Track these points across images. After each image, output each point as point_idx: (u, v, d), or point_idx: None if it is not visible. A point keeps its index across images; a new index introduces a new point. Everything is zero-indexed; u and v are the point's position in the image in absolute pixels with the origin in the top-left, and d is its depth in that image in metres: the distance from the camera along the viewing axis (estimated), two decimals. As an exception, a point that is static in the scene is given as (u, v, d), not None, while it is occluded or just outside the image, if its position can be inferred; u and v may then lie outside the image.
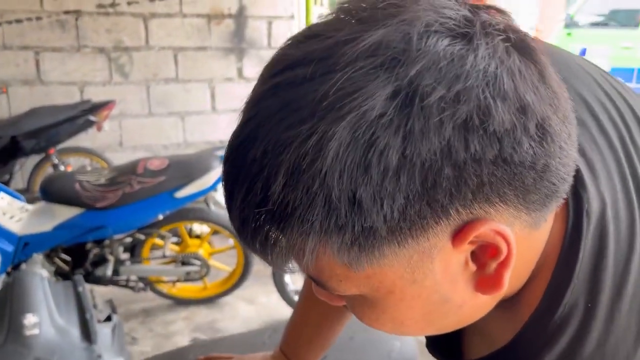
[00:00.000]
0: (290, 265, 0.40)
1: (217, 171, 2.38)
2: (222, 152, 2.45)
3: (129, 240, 2.51)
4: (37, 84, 3.52)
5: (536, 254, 0.45)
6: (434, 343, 0.58)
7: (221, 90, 4.01)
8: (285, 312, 2.59)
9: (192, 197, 2.36)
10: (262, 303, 2.79)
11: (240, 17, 3.94)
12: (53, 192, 2.34)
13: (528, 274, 0.46)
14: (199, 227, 2.65)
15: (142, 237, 2.50)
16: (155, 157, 2.47)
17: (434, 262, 0.39)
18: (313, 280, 0.43)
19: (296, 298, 2.52)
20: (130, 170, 2.37)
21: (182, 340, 2.50)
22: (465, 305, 0.43)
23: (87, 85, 3.65)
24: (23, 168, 3.41)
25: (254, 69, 4.05)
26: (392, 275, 0.39)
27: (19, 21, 3.41)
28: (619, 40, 5.88)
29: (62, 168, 3.32)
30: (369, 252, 0.37)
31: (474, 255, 0.40)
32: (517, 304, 0.47)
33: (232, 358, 0.89)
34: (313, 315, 0.80)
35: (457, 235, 0.38)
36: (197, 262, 2.59)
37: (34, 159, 3.36)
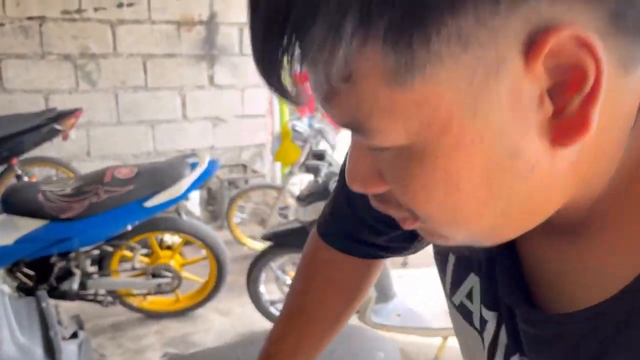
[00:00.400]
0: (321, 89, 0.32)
1: (188, 179, 2.30)
2: (193, 160, 2.38)
3: (96, 252, 2.41)
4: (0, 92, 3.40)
5: (627, 131, 0.35)
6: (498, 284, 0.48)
7: (192, 98, 3.94)
8: (260, 323, 2.52)
9: (163, 206, 2.28)
10: (236, 315, 2.72)
11: (211, 23, 3.88)
12: (15, 203, 2.23)
13: (613, 167, 0.36)
14: (170, 238, 2.56)
15: (110, 248, 2.40)
16: (123, 165, 2.38)
17: (501, 84, 0.30)
18: (349, 128, 0.35)
19: (272, 309, 2.46)
20: (97, 179, 2.28)
21: (154, 355, 2.41)
22: (538, 166, 0.33)
23: (52, 93, 3.53)
24: (-16, 179, 3.27)
25: (225, 75, 3.98)
26: (449, 98, 0.31)
27: (-21, 27, 3.29)
28: None
29: (25, 179, 3.19)
30: (420, 48, 0.29)
31: (551, 93, 0.31)
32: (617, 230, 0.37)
33: None
34: (295, 330, 0.74)
35: (531, 47, 0.29)
36: (169, 274, 2.50)
37: (-4, 170, 3.23)
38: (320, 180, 2.26)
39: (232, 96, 4.05)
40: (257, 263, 2.42)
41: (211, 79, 3.97)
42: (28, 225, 2.22)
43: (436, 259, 0.57)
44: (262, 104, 4.18)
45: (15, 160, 3.14)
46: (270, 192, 3.42)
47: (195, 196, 2.48)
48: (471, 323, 0.52)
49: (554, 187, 0.35)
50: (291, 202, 3.09)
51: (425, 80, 0.30)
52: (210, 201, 4.04)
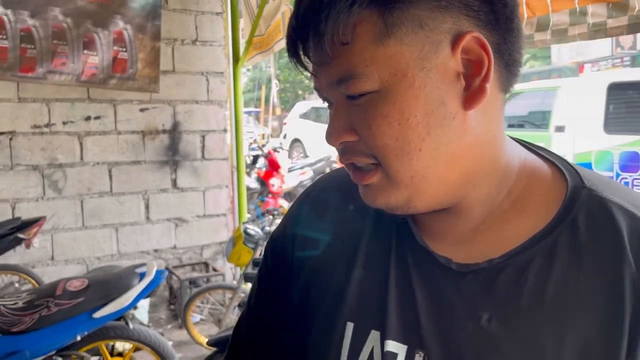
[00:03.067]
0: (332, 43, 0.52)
1: (136, 289, 2.44)
2: (142, 269, 2.54)
3: (47, 362, 2.49)
4: (-33, 203, 3.57)
5: (501, 146, 0.58)
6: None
7: (155, 201, 4.14)
8: None
9: (111, 316, 2.40)
10: (187, 420, 2.76)
11: (174, 132, 4.16)
12: (-32, 318, 2.34)
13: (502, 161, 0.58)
14: (121, 345, 2.66)
15: (59, 359, 2.49)
16: (75, 277, 2.52)
17: (438, 57, 0.52)
18: (341, 81, 0.53)
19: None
20: (49, 292, 2.40)
21: None
22: (457, 118, 0.53)
23: (19, 201, 3.71)
24: (-54, 289, 3.36)
25: (187, 179, 4.22)
26: (408, 56, 0.51)
27: (-48, 143, 3.51)
28: (532, 140, 6.42)
29: (-13, 287, 3.29)
30: (401, 20, 0.51)
31: (462, 75, 0.53)
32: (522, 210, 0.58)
33: None
34: None
35: (455, 42, 0.51)
36: (118, 381, 2.57)
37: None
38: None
39: (194, 197, 4.27)
40: (204, 368, 2.51)
41: (174, 182, 4.19)
42: (-20, 340, 2.32)
43: (326, 350, 0.63)
44: (223, 204, 4.39)
45: (-23, 270, 3.26)
46: (227, 291, 3.54)
47: (145, 304, 2.61)
48: None
49: (465, 143, 0.55)
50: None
51: (396, 42, 0.51)
52: (172, 300, 4.13)
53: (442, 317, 0.57)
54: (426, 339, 0.57)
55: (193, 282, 3.93)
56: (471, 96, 0.53)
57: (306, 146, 12.72)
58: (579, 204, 0.56)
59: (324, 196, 0.72)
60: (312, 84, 0.59)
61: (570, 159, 5.96)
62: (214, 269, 4.23)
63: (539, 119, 6.60)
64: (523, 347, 0.53)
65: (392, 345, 0.58)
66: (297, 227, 0.72)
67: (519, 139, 0.64)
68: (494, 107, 0.56)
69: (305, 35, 0.54)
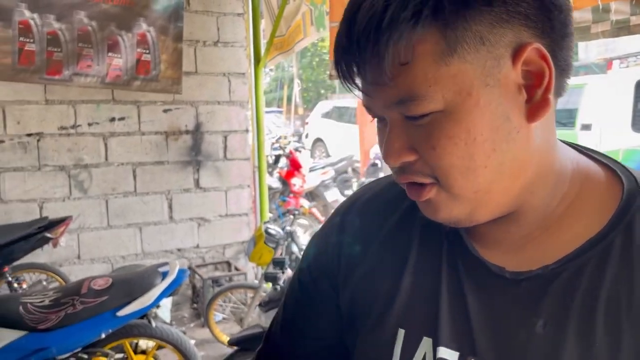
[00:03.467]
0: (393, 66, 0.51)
1: (158, 288, 2.48)
2: (165, 268, 2.57)
3: (73, 359, 2.55)
4: (-3, 203, 3.66)
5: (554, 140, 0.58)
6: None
7: (178, 201, 4.19)
8: None
9: (134, 315, 2.45)
10: (209, 417, 2.79)
11: (197, 132, 4.21)
12: (-3, 315, 2.41)
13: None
14: (145, 343, 2.70)
15: (85, 356, 2.54)
16: (100, 276, 2.57)
17: (500, 72, 0.51)
18: (401, 102, 0.52)
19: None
20: (74, 291, 2.46)
21: None
22: (521, 132, 0.53)
23: (46, 201, 3.79)
24: (-23, 286, 3.45)
25: (210, 179, 4.26)
26: (472, 73, 0.50)
27: (-19, 145, 3.61)
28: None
29: (16, 285, 3.37)
30: (462, 38, 0.49)
31: (524, 87, 0.52)
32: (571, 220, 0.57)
33: None
34: None
35: (515, 54, 0.51)
36: (142, 378, 2.62)
37: (-12, 277, 3.42)
38: (279, 287, 2.43)
39: (217, 197, 4.31)
40: (225, 367, 2.54)
41: (197, 182, 4.24)
42: (9, 336, 2.38)
43: (377, 355, 0.64)
44: (245, 203, 4.42)
45: (6, 268, 3.33)
46: (249, 291, 3.57)
47: (167, 302, 2.64)
48: None
49: (527, 156, 0.54)
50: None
51: (458, 60, 0.50)
52: (195, 299, 4.18)
53: (496, 325, 0.57)
54: (479, 346, 0.57)
55: (215, 281, 3.96)
56: (534, 109, 0.53)
57: (328, 146, 12.72)
58: (635, 208, 0.55)
59: (370, 205, 0.72)
60: (363, 103, 0.58)
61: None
62: (236, 268, 4.26)
63: (565, 117, 6.49)
64: (578, 352, 0.52)
65: (444, 352, 0.59)
66: (343, 235, 0.72)
67: (569, 142, 0.64)
68: (550, 114, 0.56)
69: (361, 56, 0.52)
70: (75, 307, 2.39)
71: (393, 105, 0.53)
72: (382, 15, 0.49)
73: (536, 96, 0.53)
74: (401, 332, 0.62)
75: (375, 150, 8.58)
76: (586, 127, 6.00)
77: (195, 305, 4.16)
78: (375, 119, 0.58)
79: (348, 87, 0.55)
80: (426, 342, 0.60)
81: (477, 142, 0.52)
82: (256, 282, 3.69)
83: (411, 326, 0.62)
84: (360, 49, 0.51)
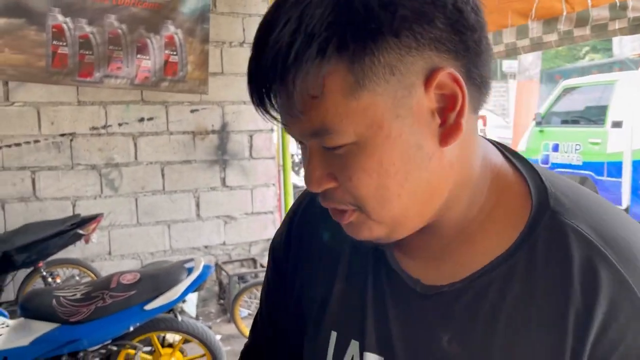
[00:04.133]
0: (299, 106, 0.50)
1: (184, 284, 2.55)
2: (191, 264, 2.65)
3: (102, 351, 2.64)
4: (32, 200, 3.81)
5: (481, 163, 0.58)
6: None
7: (205, 199, 4.28)
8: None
9: (161, 309, 2.53)
10: (233, 410, 2.86)
11: (223, 132, 4.29)
12: (31, 308, 2.52)
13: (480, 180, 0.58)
14: (172, 336, 2.78)
15: (114, 348, 2.63)
16: (128, 271, 2.66)
17: (412, 100, 0.51)
18: (315, 135, 0.52)
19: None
20: (104, 285, 2.55)
21: None
22: (434, 157, 0.53)
23: (79, 199, 3.93)
24: (13, 280, 3.60)
25: (236, 177, 4.34)
26: (382, 106, 0.50)
27: (18, 145, 3.76)
28: (588, 136, 6.21)
29: (50, 279, 3.50)
30: (371, 71, 0.49)
31: (438, 112, 0.52)
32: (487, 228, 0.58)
33: None
34: None
35: (427, 80, 0.51)
36: (169, 371, 2.70)
37: (24, 271, 3.56)
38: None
39: (242, 195, 4.38)
40: None
41: (223, 180, 4.32)
42: (42, 328, 2.48)
43: (314, 355, 0.69)
44: (270, 201, 4.49)
45: (41, 263, 3.47)
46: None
47: (193, 297, 2.72)
48: None
49: (442, 178, 0.55)
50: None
51: (368, 94, 0.50)
52: (222, 295, 4.26)
53: (410, 335, 0.60)
54: (397, 353, 0.61)
55: (241, 278, 4.04)
56: (447, 133, 0.53)
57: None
58: (540, 229, 0.56)
59: (312, 209, 0.74)
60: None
61: (628, 155, 5.73)
62: (262, 265, 4.33)
63: (596, 115, 6.37)
64: None
65: (369, 357, 0.62)
66: (291, 232, 0.76)
67: (496, 142, 0.65)
68: (468, 132, 0.55)
69: (271, 86, 0.52)
70: (105, 300, 2.48)
71: (308, 136, 0.54)
72: (287, 52, 0.49)
73: (449, 120, 0.53)
74: (334, 335, 0.66)
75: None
76: (617, 124, 5.88)
77: (221, 301, 4.25)
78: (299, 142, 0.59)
79: (266, 118, 0.55)
80: (354, 346, 0.64)
81: (390, 173, 0.53)
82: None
83: (342, 329, 0.66)
84: (269, 78, 0.51)
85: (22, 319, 2.55)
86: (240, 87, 4.30)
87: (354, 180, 0.54)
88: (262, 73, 0.52)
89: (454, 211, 0.59)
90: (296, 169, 6.32)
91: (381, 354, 0.62)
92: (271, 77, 0.51)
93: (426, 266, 0.62)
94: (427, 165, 0.54)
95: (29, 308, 2.52)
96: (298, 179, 6.21)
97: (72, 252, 3.74)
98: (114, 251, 4.04)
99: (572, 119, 6.58)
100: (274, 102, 0.53)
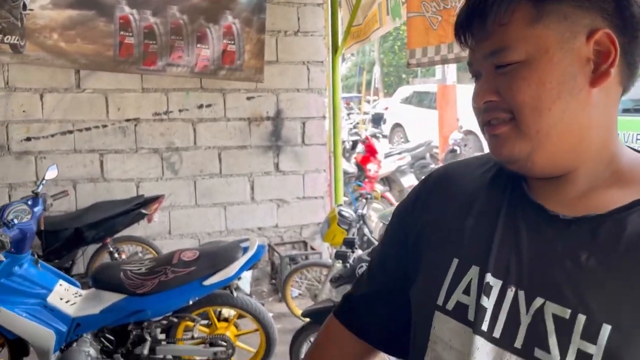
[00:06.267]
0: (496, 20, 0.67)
1: (240, 261, 2.71)
2: (246, 244, 2.80)
3: (164, 322, 2.85)
4: (100, 181, 4.08)
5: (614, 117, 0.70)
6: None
7: (259, 183, 4.45)
8: (301, 392, 2.79)
9: (218, 284, 2.70)
10: (283, 383, 3.02)
11: (277, 119, 4.43)
12: (102, 280, 2.75)
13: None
14: (227, 311, 2.96)
15: (175, 319, 2.83)
16: (188, 249, 2.85)
17: (575, 44, 0.65)
18: (495, 52, 0.68)
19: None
20: (166, 261, 2.75)
21: (208, 416, 2.74)
22: (583, 91, 0.66)
23: (142, 181, 4.18)
24: (84, 255, 3.89)
25: (288, 163, 4.48)
26: (552, 38, 0.65)
27: (88, 129, 4.03)
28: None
29: (116, 255, 3.76)
30: (550, 12, 0.65)
31: (592, 61, 0.66)
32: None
33: None
34: None
35: (590, 34, 0.65)
36: (224, 344, 2.87)
37: (93, 247, 3.84)
38: (348, 265, 2.59)
39: (294, 180, 4.53)
40: (298, 337, 2.75)
41: (277, 166, 4.48)
42: (111, 298, 2.71)
43: (428, 286, 0.76)
44: (321, 187, 4.61)
45: (108, 240, 3.74)
46: (323, 269, 3.76)
47: (247, 275, 2.88)
48: (463, 319, 0.71)
49: (585, 113, 0.67)
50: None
51: (543, 27, 0.66)
52: (273, 275, 4.44)
53: (542, 258, 0.67)
54: (523, 277, 0.68)
55: (292, 259, 4.19)
56: (597, 77, 0.66)
57: (407, 131, 12.68)
58: None
59: (446, 171, 0.86)
60: (468, 60, 0.75)
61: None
62: (312, 248, 4.47)
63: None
64: (618, 280, 0.61)
65: (489, 279, 0.70)
66: (419, 195, 0.86)
67: (630, 146, 0.75)
68: (612, 97, 0.68)
69: (473, 19, 0.70)
70: (167, 275, 2.68)
71: (488, 55, 0.69)
72: None
73: (601, 69, 0.66)
74: (455, 261, 0.74)
75: (455, 136, 8.49)
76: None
77: (273, 281, 4.42)
78: (474, 79, 0.74)
79: (461, 43, 0.73)
80: (474, 270, 0.71)
81: (545, 87, 0.66)
82: (330, 260, 3.88)
83: (464, 256, 0.73)
84: (473, 14, 0.70)
85: (93, 289, 2.79)
86: (294, 75, 4.43)
87: (514, 88, 0.67)
88: (469, 10, 0.70)
89: (589, 167, 0.69)
90: (347, 155, 6.40)
91: (501, 278, 0.69)
92: (475, 11, 0.69)
93: (561, 207, 0.70)
94: (576, 95, 0.66)
95: (99, 280, 2.76)
96: (348, 165, 6.30)
97: (136, 230, 3.99)
98: (173, 230, 4.28)
99: (634, 108, 6.35)
100: (470, 31, 0.71)
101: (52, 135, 3.96)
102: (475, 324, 0.68)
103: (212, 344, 2.88)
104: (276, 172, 4.49)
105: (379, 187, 5.70)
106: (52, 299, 2.73)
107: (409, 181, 6.46)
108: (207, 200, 4.34)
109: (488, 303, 0.68)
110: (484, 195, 0.77)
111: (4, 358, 2.91)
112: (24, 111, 3.90)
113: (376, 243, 2.86)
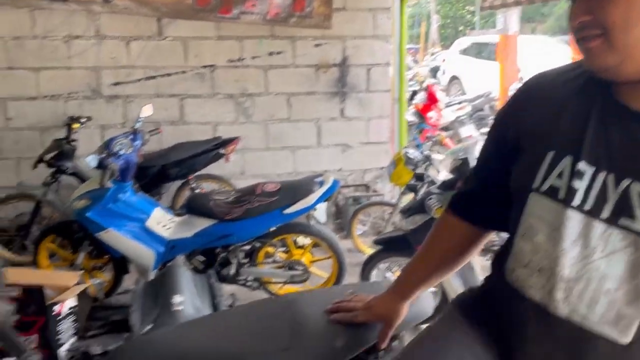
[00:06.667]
0: None
1: (317, 193, 2.97)
2: (321, 179, 3.05)
3: (248, 247, 3.17)
4: (180, 124, 4.41)
5: None
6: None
7: (326, 128, 4.68)
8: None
9: (297, 213, 2.98)
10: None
11: (343, 65, 4.60)
12: (194, 207, 3.07)
13: None
14: (303, 240, 3.25)
15: (258, 245, 3.15)
16: (270, 181, 3.13)
17: None
18: None
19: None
20: (251, 191, 3.04)
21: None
22: None
23: (218, 124, 4.48)
24: (168, 191, 4.25)
25: (353, 109, 4.67)
26: None
27: (169, 75, 4.33)
28: None
29: (197, 191, 4.10)
30: None
31: None
32: None
33: (357, 301, 1.22)
34: (416, 268, 1.19)
35: None
36: (300, 268, 3.17)
37: (176, 184, 4.20)
38: (418, 197, 2.80)
39: (359, 126, 4.73)
40: (369, 263, 3.01)
41: (342, 112, 4.68)
42: (202, 224, 3.04)
43: (525, 174, 0.91)
44: (384, 133, 4.79)
45: (191, 177, 4.08)
46: (386, 208, 3.99)
47: (322, 207, 3.13)
48: (555, 198, 0.86)
49: None
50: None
51: None
52: (337, 215, 4.71)
53: (630, 147, 0.81)
54: (612, 163, 0.82)
55: (356, 200, 4.44)
56: None
57: (464, 84, 12.52)
58: None
59: (540, 79, 0.99)
60: None
61: None
62: (374, 191, 4.70)
63: None
64: None
65: (582, 165, 0.84)
66: (518, 98, 1.01)
67: None
68: None
69: None
70: (252, 204, 2.97)
71: None
72: None
73: None
74: (550, 153, 0.89)
75: (515, 87, 8.38)
76: None
77: (338, 220, 4.70)
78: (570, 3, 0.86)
79: None
80: (567, 160, 0.86)
81: (635, 6, 0.75)
82: (393, 201, 4.10)
83: (559, 148, 0.88)
84: None
85: (186, 215, 3.13)
86: (360, 23, 4.56)
87: (605, 8, 0.78)
88: None
89: None
90: (412, 101, 6.48)
91: (594, 164, 0.83)
92: None
93: None
94: None
95: (192, 207, 3.09)
96: (409, 115, 6.41)
97: (214, 170, 4.31)
98: (246, 171, 4.59)
99: None
100: None
101: (138, 80, 4.28)
102: (566, 200, 0.85)
103: (289, 268, 3.19)
104: (341, 118, 4.70)
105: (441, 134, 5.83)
106: (151, 223, 3.09)
107: (468, 131, 6.51)
108: (277, 143, 4.61)
109: (579, 184, 0.84)
110: (575, 98, 0.91)
111: (108, 275, 3.33)
112: (112, 58, 4.23)
113: (440, 182, 3.05)
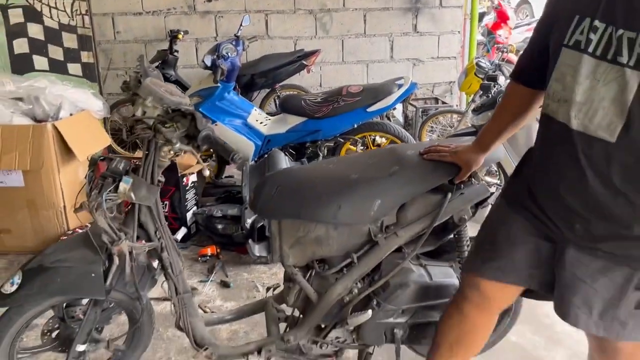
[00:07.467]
0: None
1: (396, 94, 3.34)
2: (400, 82, 3.41)
3: (332, 143, 3.61)
4: (265, 38, 4.81)
5: None
6: None
7: (398, 43, 4.96)
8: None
9: (379, 111, 3.37)
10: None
11: (417, -19, 4.81)
12: (287, 106, 3.52)
13: None
14: (379, 139, 3.65)
15: (341, 141, 3.58)
16: (353, 84, 3.51)
17: None
18: None
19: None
20: (336, 93, 3.44)
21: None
22: None
23: (299, 39, 4.84)
24: (257, 98, 4.73)
25: (426, 24, 4.91)
26: None
27: (256, -9, 4.70)
28: None
29: (288, 93, 4.54)
30: None
31: None
32: None
33: (445, 146, 1.62)
34: (492, 124, 1.53)
35: None
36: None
37: (263, 92, 4.66)
38: (490, 95, 3.12)
39: (430, 41, 4.97)
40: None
41: (415, 27, 4.93)
42: (294, 121, 3.49)
43: (559, 33, 1.16)
44: (454, 48, 5.03)
45: (276, 86, 4.52)
46: (455, 116, 4.31)
47: (400, 107, 3.51)
48: (577, 47, 1.11)
49: None
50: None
51: None
52: (407, 126, 5.07)
53: (629, 7, 1.04)
54: (618, 20, 1.06)
55: (424, 111, 4.76)
56: None
57: (534, 8, 12.15)
58: None
59: None
60: None
61: None
62: (443, 102, 5.00)
63: None
64: None
65: (596, 23, 1.10)
66: None
67: None
68: None
69: None
70: (338, 103, 3.38)
71: None
72: None
73: None
74: (576, 17, 1.15)
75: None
76: None
77: (407, 129, 5.06)
78: None
79: None
80: (586, 20, 1.12)
81: None
82: (463, 109, 4.41)
83: (582, 13, 1.14)
84: None
85: (281, 114, 3.59)
86: (436, -61, 4.71)
87: None
88: None
89: None
90: (480, 23, 6.59)
91: (604, 22, 1.09)
92: None
93: None
94: None
95: (286, 106, 3.53)
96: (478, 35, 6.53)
97: (295, 80, 4.73)
98: (324, 83, 4.99)
99: None
100: None
101: (228, -4, 4.69)
102: (584, 49, 1.12)
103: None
104: (414, 33, 4.95)
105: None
106: (250, 120, 3.57)
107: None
108: (352, 57, 4.95)
109: (594, 37, 1.13)
110: None
111: (212, 165, 3.88)
112: (205, -24, 4.63)
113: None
